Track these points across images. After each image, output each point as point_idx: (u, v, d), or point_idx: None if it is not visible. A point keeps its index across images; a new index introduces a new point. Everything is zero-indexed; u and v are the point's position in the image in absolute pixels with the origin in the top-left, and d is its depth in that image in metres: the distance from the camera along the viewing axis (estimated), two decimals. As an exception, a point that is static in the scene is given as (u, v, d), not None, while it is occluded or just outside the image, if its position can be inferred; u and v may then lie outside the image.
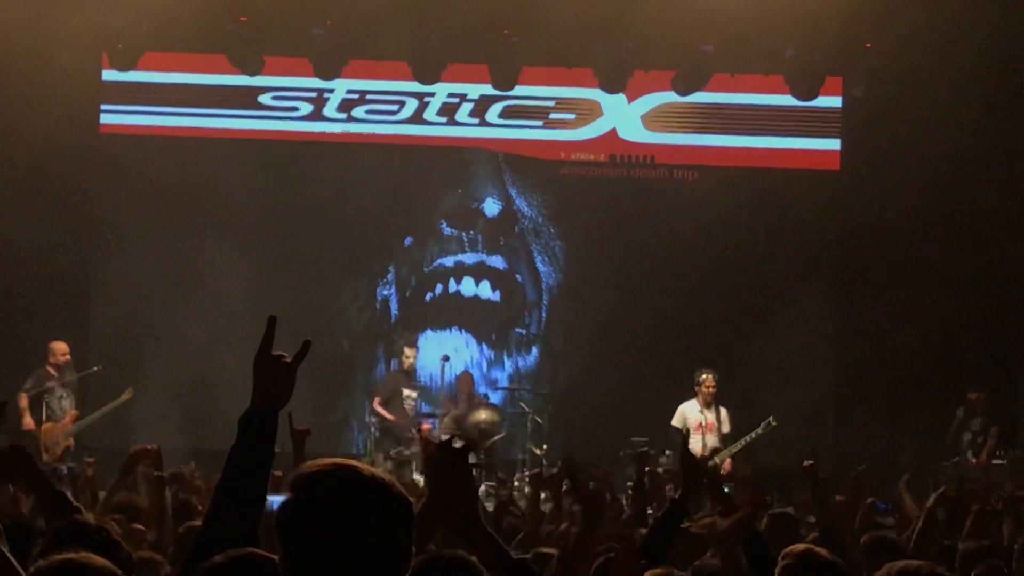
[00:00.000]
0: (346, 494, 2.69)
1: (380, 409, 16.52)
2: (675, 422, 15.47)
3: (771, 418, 15.13)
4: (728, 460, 15.22)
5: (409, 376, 16.81)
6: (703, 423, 15.40)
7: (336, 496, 2.69)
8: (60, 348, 15.67)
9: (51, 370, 15.53)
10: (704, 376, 15.44)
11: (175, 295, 17.07)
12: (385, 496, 2.72)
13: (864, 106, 18.10)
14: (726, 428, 15.45)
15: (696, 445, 14.97)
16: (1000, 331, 17.37)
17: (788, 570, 5.02)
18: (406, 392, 16.52)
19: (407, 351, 16.85)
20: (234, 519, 3.62)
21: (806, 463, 8.34)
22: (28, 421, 15.26)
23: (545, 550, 6.78)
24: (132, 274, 17.35)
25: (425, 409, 17.01)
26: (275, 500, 3.00)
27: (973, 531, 7.92)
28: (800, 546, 5.26)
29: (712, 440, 15.36)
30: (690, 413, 15.48)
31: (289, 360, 3.71)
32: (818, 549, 5.23)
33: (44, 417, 15.39)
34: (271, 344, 3.74)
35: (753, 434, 15.16)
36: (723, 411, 15.51)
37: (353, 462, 2.79)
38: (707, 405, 15.49)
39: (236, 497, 3.67)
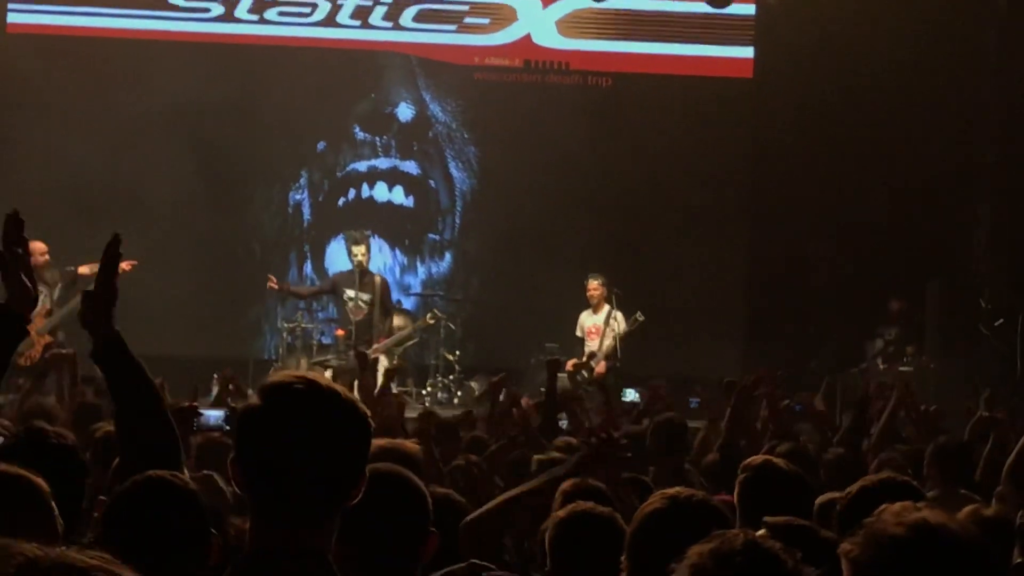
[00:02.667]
0: (309, 405, 2.75)
1: (286, 286, 16.47)
2: (578, 331, 15.76)
3: (638, 313, 15.25)
4: (602, 363, 15.35)
5: (358, 277, 15.50)
6: (593, 328, 15.64)
7: (299, 405, 2.75)
8: (37, 248, 14.03)
9: None
10: (587, 281, 15.68)
11: (84, 199, 16.88)
12: (347, 413, 2.78)
13: (777, 14, 18.13)
14: (620, 330, 15.48)
15: (592, 349, 15.50)
16: (911, 240, 17.55)
17: (747, 483, 5.01)
18: (351, 293, 15.49)
19: (355, 249, 15.67)
20: (139, 439, 3.72)
21: (727, 380, 8.46)
22: None
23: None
24: (39, 176, 17.10)
25: (333, 314, 17.00)
26: (211, 415, 3.05)
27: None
28: (758, 458, 5.27)
29: (599, 344, 15.53)
30: (584, 319, 15.73)
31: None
32: (776, 460, 5.24)
33: None
34: None
35: (620, 332, 15.31)
36: (616, 314, 15.55)
37: (319, 378, 2.84)
38: (596, 309, 15.67)
39: (131, 420, 3.77)
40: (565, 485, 5.05)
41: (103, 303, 3.77)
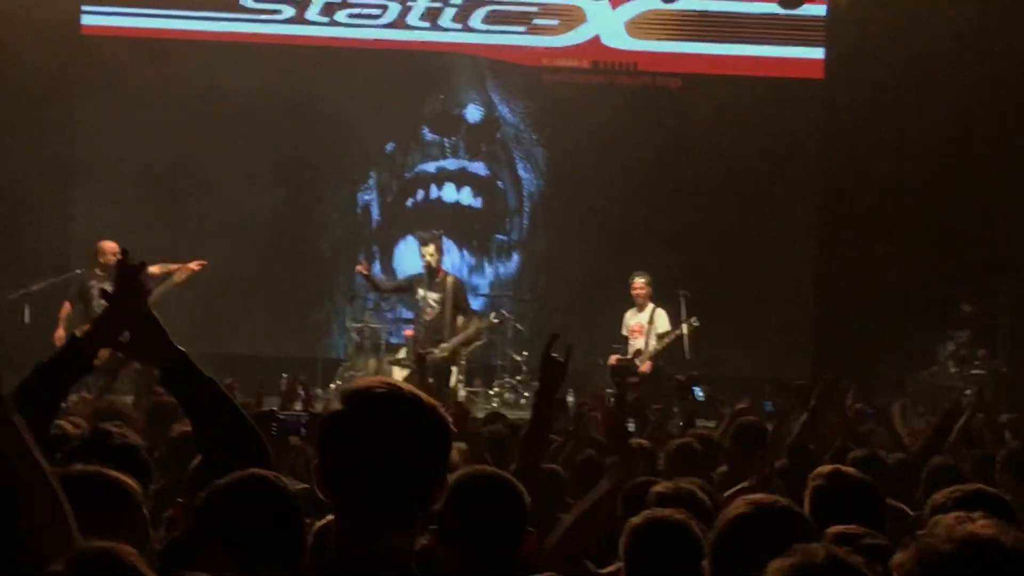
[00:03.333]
0: (392, 410, 2.78)
1: (371, 275, 16.27)
2: (623, 330, 15.63)
3: (693, 319, 15.10)
4: (647, 363, 15.16)
5: (427, 277, 14.94)
6: (636, 327, 15.49)
7: (382, 410, 2.78)
8: (109, 247, 14.02)
9: (97, 271, 14.08)
10: (632, 279, 15.54)
11: (156, 199, 17.00)
12: (429, 418, 2.80)
13: (848, 15, 18.04)
14: (661, 328, 15.33)
15: (636, 347, 15.32)
16: (983, 241, 17.41)
17: (820, 491, 4.95)
18: (421, 293, 14.96)
19: (423, 249, 15.14)
20: (222, 451, 3.73)
21: (798, 382, 8.36)
22: (59, 334, 14.04)
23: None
24: (113, 176, 17.24)
25: (401, 314, 16.96)
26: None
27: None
28: (828, 467, 5.22)
29: (644, 343, 15.40)
30: (629, 318, 15.61)
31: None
32: (847, 469, 5.18)
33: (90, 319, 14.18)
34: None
35: (673, 335, 15.16)
36: (658, 312, 15.40)
37: (400, 383, 2.86)
38: (640, 308, 15.53)
39: (212, 437, 3.78)
40: (658, 487, 5.03)
41: (148, 334, 3.77)
